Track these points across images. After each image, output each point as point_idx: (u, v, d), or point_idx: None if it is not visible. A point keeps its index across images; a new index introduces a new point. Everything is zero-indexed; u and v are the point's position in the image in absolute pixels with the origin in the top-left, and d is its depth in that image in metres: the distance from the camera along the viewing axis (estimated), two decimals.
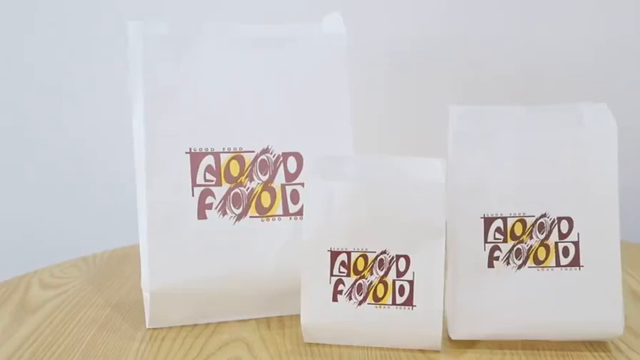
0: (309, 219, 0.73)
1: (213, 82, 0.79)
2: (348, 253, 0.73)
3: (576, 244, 0.73)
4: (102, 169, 1.20)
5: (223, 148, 0.79)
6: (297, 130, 0.81)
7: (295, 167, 0.81)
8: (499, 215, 0.73)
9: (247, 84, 0.80)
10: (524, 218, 0.73)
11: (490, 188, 0.73)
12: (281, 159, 0.80)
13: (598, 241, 0.72)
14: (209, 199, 0.78)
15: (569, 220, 0.73)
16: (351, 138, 0.83)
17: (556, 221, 0.73)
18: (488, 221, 0.73)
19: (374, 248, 0.73)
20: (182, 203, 0.77)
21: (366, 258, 0.73)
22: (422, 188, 0.72)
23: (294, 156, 0.81)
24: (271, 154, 0.80)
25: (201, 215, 0.78)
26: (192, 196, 0.78)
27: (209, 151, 0.78)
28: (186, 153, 0.78)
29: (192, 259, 0.77)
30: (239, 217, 0.79)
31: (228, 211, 0.79)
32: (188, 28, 0.79)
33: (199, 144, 0.78)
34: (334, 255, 0.73)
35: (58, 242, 1.21)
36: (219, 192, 0.79)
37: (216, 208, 0.79)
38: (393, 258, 0.73)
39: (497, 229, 0.73)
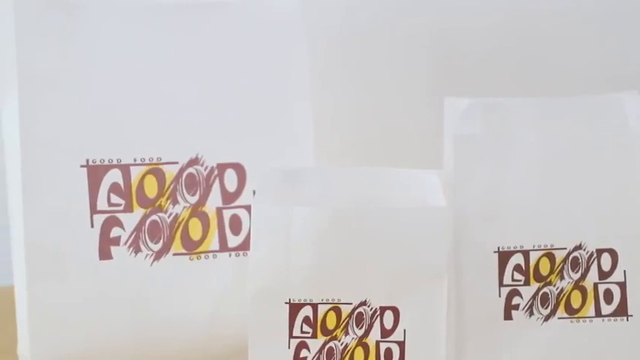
0: (258, 258, 0.64)
1: (117, 68, 0.71)
2: (314, 306, 0.65)
3: (622, 285, 0.66)
4: None
5: (135, 159, 0.71)
6: (238, 133, 0.74)
7: (236, 184, 0.74)
8: (518, 248, 0.67)
9: (165, 70, 0.73)
10: (553, 251, 0.67)
11: (505, 211, 0.67)
12: (216, 173, 0.74)
13: None
14: (116, 232, 0.70)
15: (613, 254, 0.67)
16: (312, 143, 0.77)
17: (595, 255, 0.67)
18: (504, 256, 0.67)
19: (350, 298, 0.65)
20: (76, 238, 0.69)
21: (338, 312, 0.65)
22: (415, 214, 0.65)
23: (233, 168, 0.74)
24: (202, 166, 0.73)
25: (105, 254, 0.70)
26: (92, 227, 0.70)
27: (115, 163, 0.71)
28: (82, 166, 0.70)
29: (92, 318, 0.69)
30: (158, 256, 0.72)
31: (142, 247, 0.71)
32: None
33: (100, 154, 0.70)
34: (294, 308, 0.65)
35: None
36: (130, 221, 0.71)
37: (125, 243, 0.71)
38: (376, 311, 0.65)
39: (517, 267, 0.67)
